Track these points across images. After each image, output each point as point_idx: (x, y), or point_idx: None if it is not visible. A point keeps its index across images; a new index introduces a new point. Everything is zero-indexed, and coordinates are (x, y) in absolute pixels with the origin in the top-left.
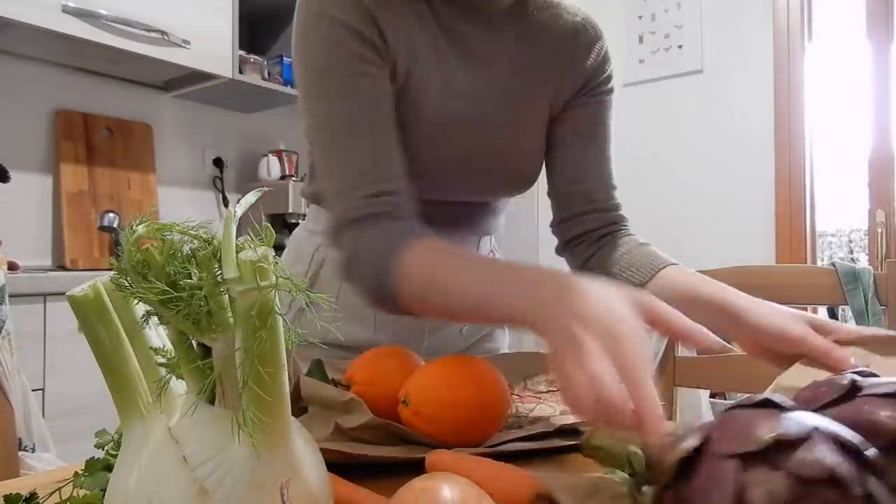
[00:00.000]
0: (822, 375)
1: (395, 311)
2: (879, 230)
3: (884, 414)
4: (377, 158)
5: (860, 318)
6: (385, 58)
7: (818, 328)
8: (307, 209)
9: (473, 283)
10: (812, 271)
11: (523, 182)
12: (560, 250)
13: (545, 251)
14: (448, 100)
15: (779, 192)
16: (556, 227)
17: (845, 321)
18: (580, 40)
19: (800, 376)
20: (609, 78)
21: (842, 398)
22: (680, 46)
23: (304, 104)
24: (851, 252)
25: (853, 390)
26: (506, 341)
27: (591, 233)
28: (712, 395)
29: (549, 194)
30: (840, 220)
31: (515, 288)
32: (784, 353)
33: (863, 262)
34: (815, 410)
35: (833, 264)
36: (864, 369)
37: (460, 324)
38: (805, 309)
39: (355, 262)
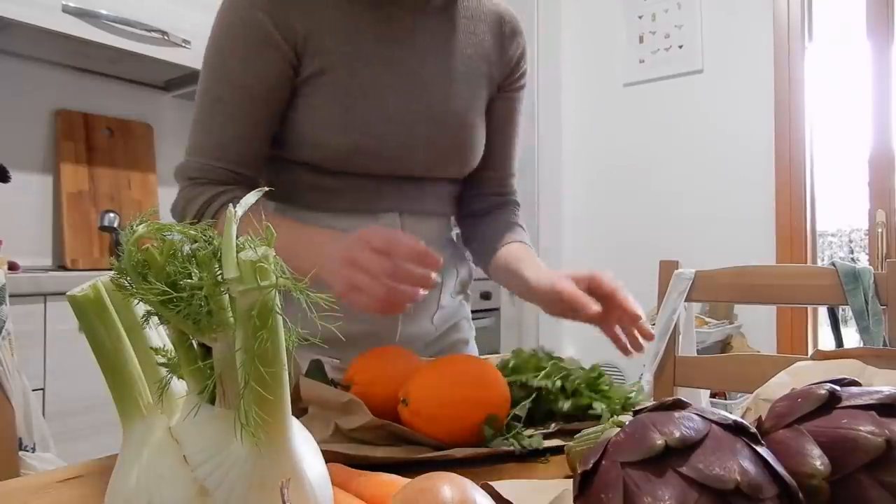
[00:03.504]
0: (805, 381)
1: None
2: (880, 230)
3: (863, 429)
4: (226, 140)
5: (860, 317)
6: (285, 51)
7: (593, 282)
8: None
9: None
10: (812, 271)
11: (467, 154)
12: (457, 219)
13: (550, 254)
14: (385, 75)
15: (779, 192)
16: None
17: (846, 321)
18: (505, 28)
19: (779, 388)
20: (524, 74)
21: (819, 410)
22: (680, 46)
23: (201, 69)
24: (852, 252)
25: (831, 401)
26: (472, 333)
27: (482, 211)
28: (712, 395)
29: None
30: (840, 219)
31: (301, 252)
32: (559, 305)
33: (863, 261)
34: (790, 424)
35: (833, 264)
36: (846, 377)
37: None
38: (805, 309)
39: (188, 210)
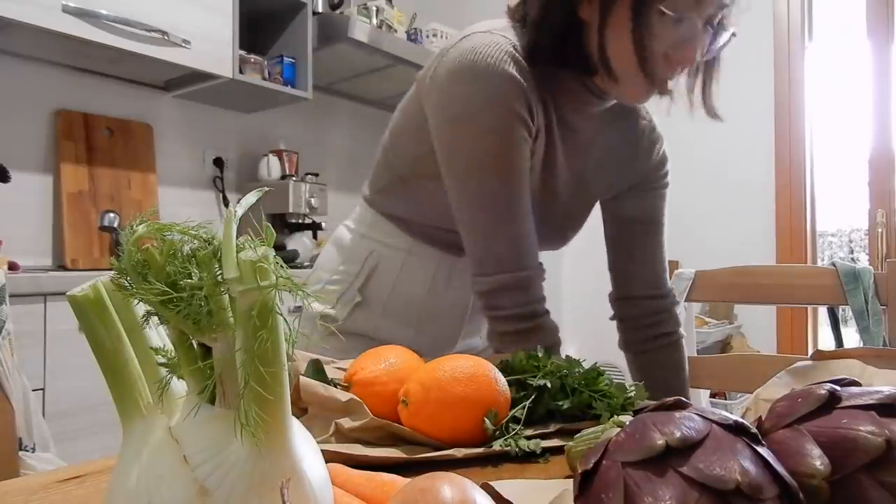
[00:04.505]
0: (805, 381)
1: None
2: (880, 230)
3: (863, 429)
4: (532, 239)
5: (860, 317)
6: (533, 137)
7: None
8: (360, 213)
9: None
10: (812, 271)
11: (562, 246)
12: (616, 319)
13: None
14: (549, 178)
15: (779, 193)
16: (613, 302)
17: (846, 321)
18: (650, 139)
19: (779, 388)
20: (667, 174)
21: (819, 410)
22: None
23: (468, 175)
24: (852, 252)
25: (831, 401)
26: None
27: (642, 317)
28: (712, 395)
29: (609, 269)
30: (840, 219)
31: None
32: None
33: (863, 261)
34: (790, 424)
35: (833, 264)
36: (846, 377)
37: None
38: (805, 309)
39: (528, 316)
